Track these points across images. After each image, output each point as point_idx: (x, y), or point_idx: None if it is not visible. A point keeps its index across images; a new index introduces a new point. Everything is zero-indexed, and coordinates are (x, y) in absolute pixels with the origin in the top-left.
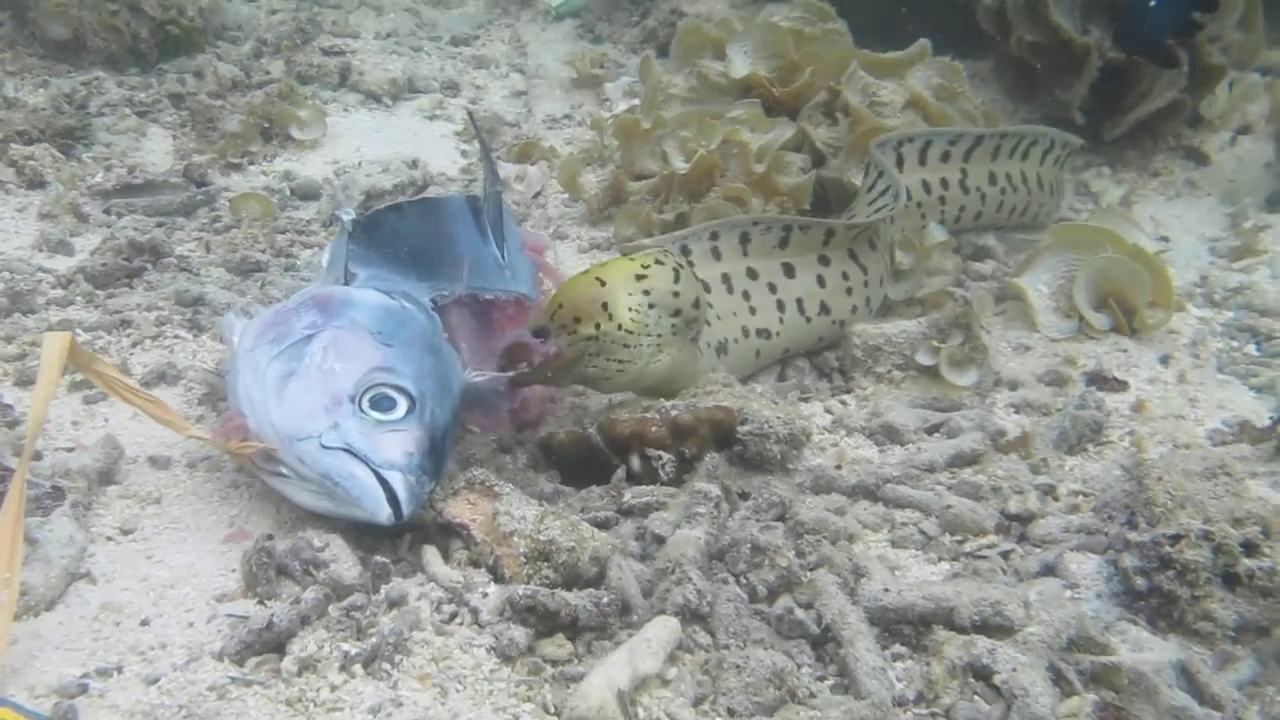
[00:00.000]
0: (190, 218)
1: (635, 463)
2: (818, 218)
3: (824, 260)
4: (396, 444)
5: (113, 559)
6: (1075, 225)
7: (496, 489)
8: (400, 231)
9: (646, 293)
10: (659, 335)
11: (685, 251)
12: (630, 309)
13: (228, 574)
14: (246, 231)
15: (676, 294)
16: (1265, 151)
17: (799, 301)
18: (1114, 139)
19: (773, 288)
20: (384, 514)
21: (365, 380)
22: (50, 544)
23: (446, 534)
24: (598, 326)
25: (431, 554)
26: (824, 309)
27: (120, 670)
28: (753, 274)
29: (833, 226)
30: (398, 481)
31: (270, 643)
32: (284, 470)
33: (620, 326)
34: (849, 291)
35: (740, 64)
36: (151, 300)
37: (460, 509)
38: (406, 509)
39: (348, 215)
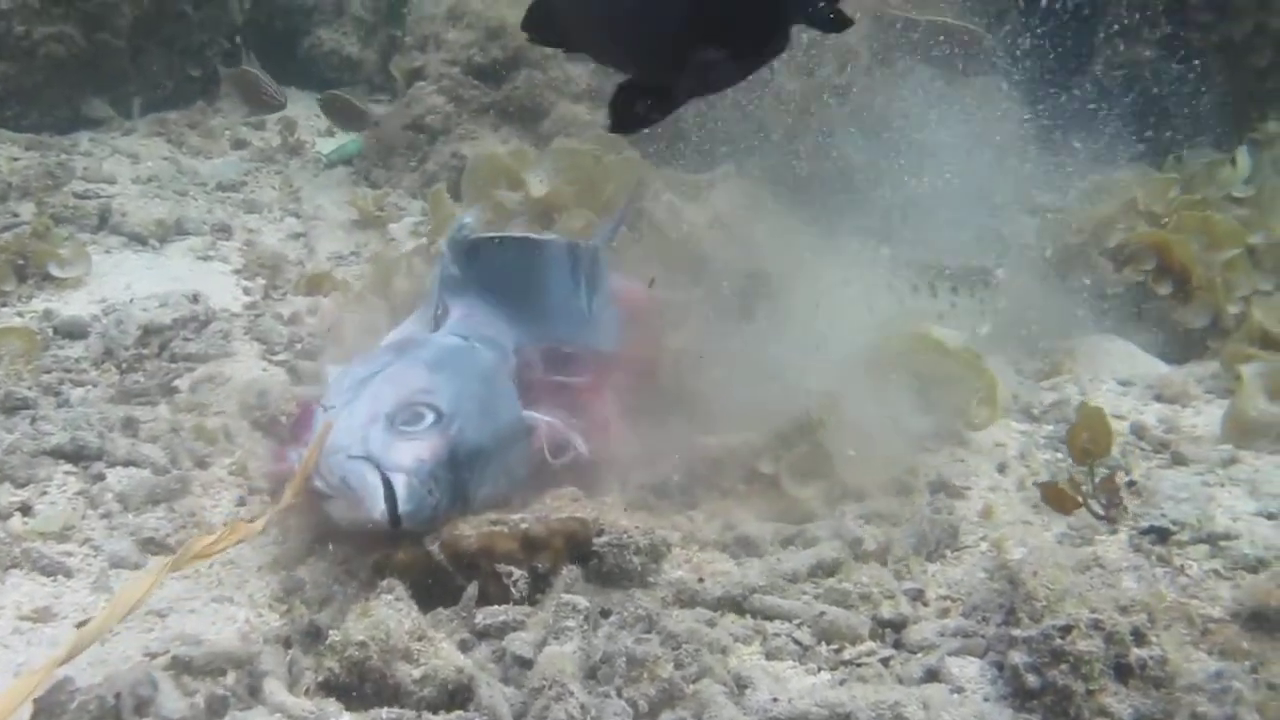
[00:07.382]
0: None
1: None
2: None
3: None
4: (409, 450)
5: None
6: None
7: None
8: (496, 265)
9: None
10: None
11: None
12: None
13: None
14: (9, 368)
15: None
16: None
17: None
18: None
19: None
20: (378, 511)
21: (406, 400)
22: None
23: None
24: None
25: (274, 684)
26: None
27: None
28: None
29: None
30: (400, 483)
31: None
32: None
33: None
34: None
35: (538, 187)
36: None
37: None
38: (404, 508)
39: (467, 220)
